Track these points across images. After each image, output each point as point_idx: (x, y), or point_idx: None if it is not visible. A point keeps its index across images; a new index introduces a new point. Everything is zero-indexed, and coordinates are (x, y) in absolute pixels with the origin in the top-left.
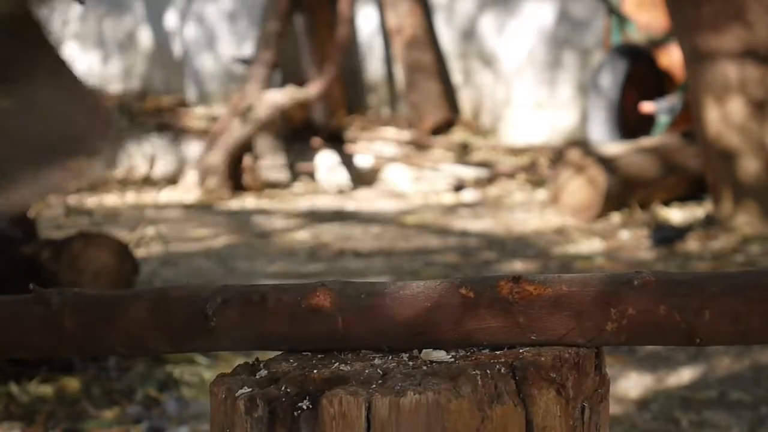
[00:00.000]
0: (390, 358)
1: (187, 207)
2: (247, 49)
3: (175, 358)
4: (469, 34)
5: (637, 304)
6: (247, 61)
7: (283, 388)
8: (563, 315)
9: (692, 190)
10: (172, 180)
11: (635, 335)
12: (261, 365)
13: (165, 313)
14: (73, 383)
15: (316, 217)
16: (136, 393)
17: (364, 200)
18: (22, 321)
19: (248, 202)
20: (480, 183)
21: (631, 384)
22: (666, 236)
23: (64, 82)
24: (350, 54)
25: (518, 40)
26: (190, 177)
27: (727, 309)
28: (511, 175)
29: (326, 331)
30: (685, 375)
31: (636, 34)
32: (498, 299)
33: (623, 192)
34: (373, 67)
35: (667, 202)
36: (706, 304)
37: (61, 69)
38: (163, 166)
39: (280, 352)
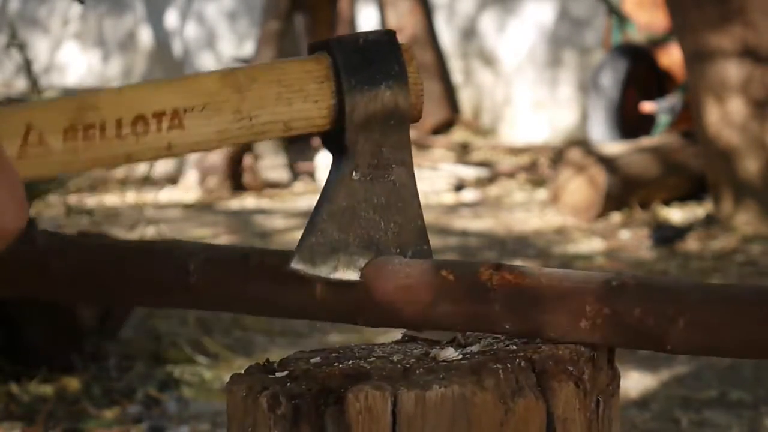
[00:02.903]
0: (407, 355)
1: (187, 207)
2: (248, 49)
3: (175, 358)
4: (469, 34)
5: (613, 304)
6: (247, 61)
7: (304, 385)
8: (539, 307)
9: (693, 190)
10: (172, 179)
11: (608, 335)
12: (275, 365)
13: (148, 266)
14: (73, 383)
15: None
16: (137, 393)
17: None
18: (6, 258)
19: (248, 201)
20: (480, 183)
21: (631, 384)
22: (666, 236)
23: None
24: None
25: (518, 40)
26: (190, 176)
27: (701, 319)
28: (511, 175)
29: (303, 299)
30: (685, 374)
31: (636, 34)
32: (477, 284)
33: (623, 192)
34: None
35: (667, 202)
36: (682, 312)
37: None
38: (163, 166)
39: (290, 352)
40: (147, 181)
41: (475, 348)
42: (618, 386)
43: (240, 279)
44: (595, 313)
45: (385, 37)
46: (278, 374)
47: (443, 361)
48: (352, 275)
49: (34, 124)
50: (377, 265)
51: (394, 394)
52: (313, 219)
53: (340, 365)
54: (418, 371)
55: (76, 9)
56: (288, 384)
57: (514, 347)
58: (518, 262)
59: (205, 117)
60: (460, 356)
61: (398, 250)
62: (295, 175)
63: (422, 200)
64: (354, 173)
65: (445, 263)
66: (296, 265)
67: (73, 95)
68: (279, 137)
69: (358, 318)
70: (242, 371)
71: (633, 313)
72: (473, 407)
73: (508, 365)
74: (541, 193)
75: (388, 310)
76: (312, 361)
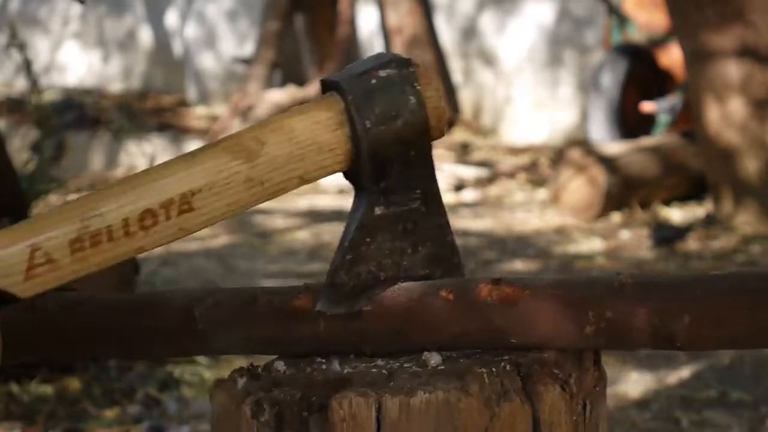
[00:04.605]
0: (391, 360)
1: None
2: (248, 49)
3: (175, 358)
4: (469, 34)
5: (615, 307)
6: (247, 61)
7: (287, 391)
8: (541, 318)
9: (693, 190)
10: None
11: (615, 339)
12: (259, 369)
13: (156, 317)
14: (73, 383)
15: (316, 216)
16: (137, 393)
17: None
18: (18, 324)
19: None
20: (480, 183)
21: (631, 384)
22: (666, 236)
23: None
24: (350, 53)
25: (518, 40)
26: None
27: (708, 313)
28: (511, 175)
29: (309, 334)
30: (685, 374)
31: (636, 34)
32: (477, 301)
33: (624, 191)
34: None
35: (667, 202)
36: (687, 308)
37: None
38: None
39: (275, 356)
40: None
41: (459, 351)
42: (605, 387)
43: (246, 322)
44: (599, 318)
45: (398, 68)
46: (261, 379)
47: (427, 365)
48: (365, 306)
49: (39, 244)
50: (377, 292)
51: (378, 400)
52: (336, 259)
53: (325, 371)
54: (402, 376)
55: (76, 9)
56: (272, 390)
57: (500, 350)
58: (518, 262)
59: (215, 194)
60: (443, 359)
61: (427, 272)
62: None
63: None
64: (376, 209)
65: (442, 284)
66: (321, 307)
67: (73, 202)
68: (294, 189)
69: (365, 347)
70: (226, 377)
71: (637, 315)
72: (458, 413)
73: (493, 369)
74: (541, 193)
75: (393, 337)
76: (294, 366)
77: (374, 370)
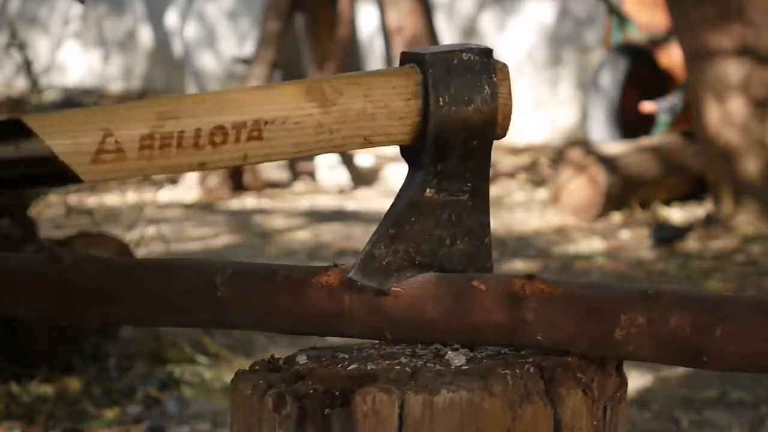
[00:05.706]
0: (414, 358)
1: (187, 206)
2: (248, 49)
3: (175, 358)
4: (469, 33)
5: (649, 313)
6: (247, 61)
7: (310, 384)
8: (572, 316)
9: (693, 190)
10: (173, 179)
11: (643, 346)
12: (281, 362)
13: (172, 283)
14: (73, 383)
15: (316, 216)
16: (137, 392)
17: (365, 200)
18: (32, 277)
19: (248, 201)
20: None
21: (631, 384)
22: (666, 236)
23: None
24: (351, 53)
25: (518, 39)
26: (191, 176)
27: (739, 330)
28: (511, 175)
29: (332, 311)
30: (685, 374)
31: (636, 34)
32: (509, 293)
33: (624, 191)
34: (374, 66)
35: (667, 202)
36: (719, 322)
37: None
38: None
39: (290, 352)
40: (147, 181)
41: (483, 352)
42: (625, 393)
43: (268, 293)
44: (630, 323)
45: (480, 56)
46: (283, 372)
47: (451, 365)
48: (395, 287)
49: (112, 130)
50: (407, 277)
51: (402, 397)
52: (379, 231)
53: (347, 366)
54: (425, 375)
55: (76, 9)
56: (294, 383)
57: (524, 352)
58: (518, 263)
59: (285, 130)
60: (467, 359)
61: (461, 267)
62: (296, 175)
63: None
64: (428, 190)
65: (476, 275)
66: (354, 275)
67: (145, 100)
68: (356, 149)
69: (387, 331)
70: (247, 368)
71: (668, 322)
72: (482, 413)
73: (517, 371)
74: (541, 193)
75: (418, 323)
76: (318, 360)
77: (398, 367)
